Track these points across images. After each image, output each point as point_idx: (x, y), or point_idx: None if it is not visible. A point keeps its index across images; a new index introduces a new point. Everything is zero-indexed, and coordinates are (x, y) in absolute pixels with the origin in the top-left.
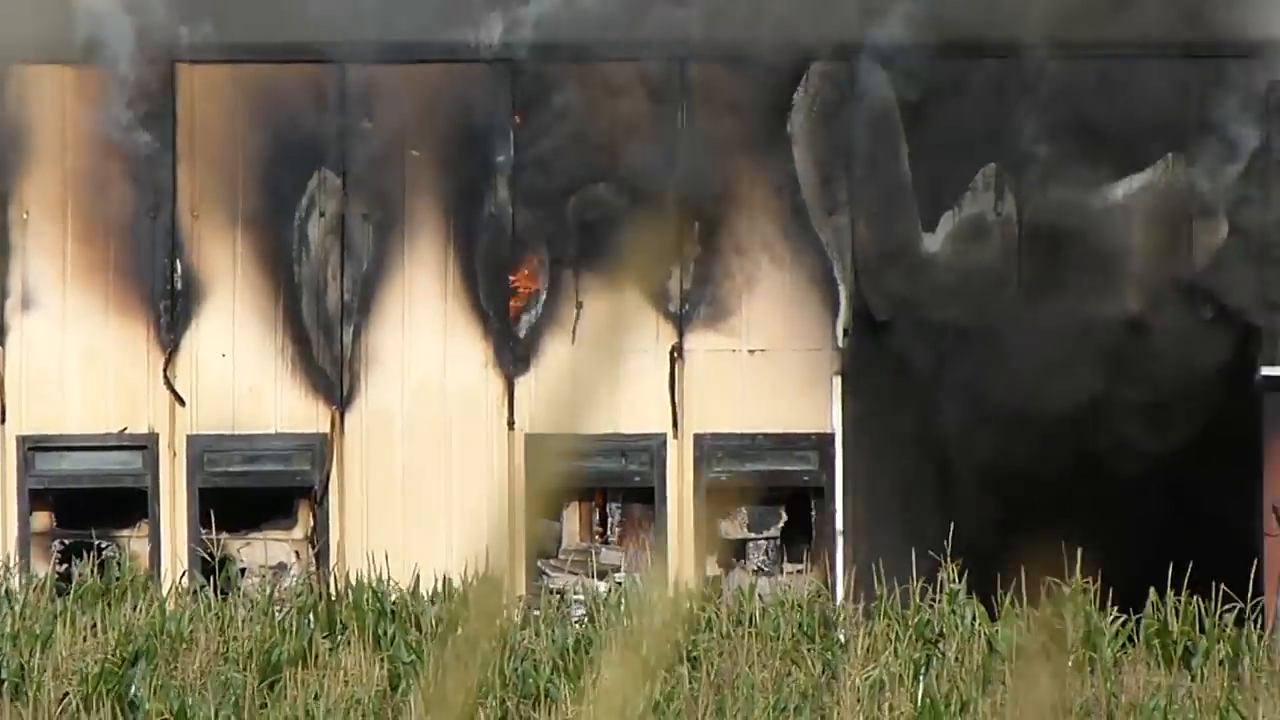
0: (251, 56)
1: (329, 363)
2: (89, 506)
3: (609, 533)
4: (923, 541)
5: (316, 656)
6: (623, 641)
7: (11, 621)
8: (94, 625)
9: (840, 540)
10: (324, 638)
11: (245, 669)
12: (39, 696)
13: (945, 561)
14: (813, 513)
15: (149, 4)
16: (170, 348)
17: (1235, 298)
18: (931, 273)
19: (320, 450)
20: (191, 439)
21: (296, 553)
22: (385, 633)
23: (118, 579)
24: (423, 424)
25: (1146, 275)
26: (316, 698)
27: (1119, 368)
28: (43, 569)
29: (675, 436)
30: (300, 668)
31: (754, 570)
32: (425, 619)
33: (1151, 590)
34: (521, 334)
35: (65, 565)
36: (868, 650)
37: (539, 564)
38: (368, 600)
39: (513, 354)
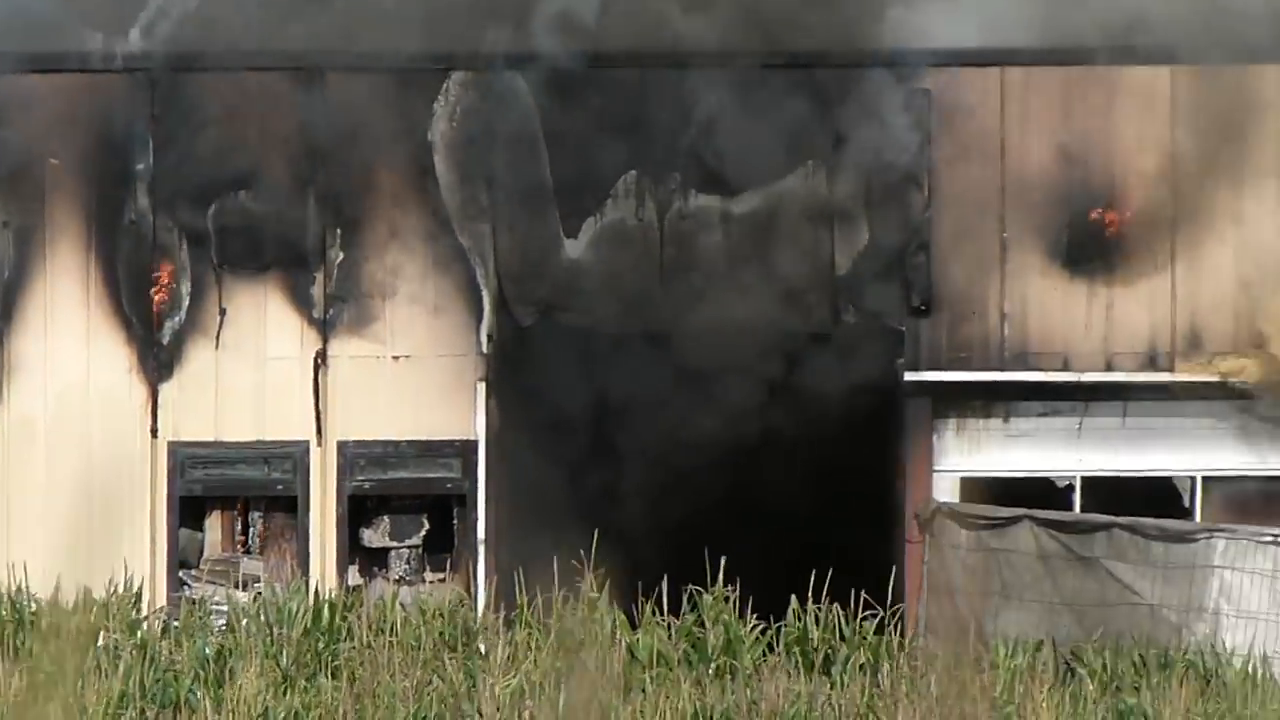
0: None
1: None
2: None
3: (250, 542)
4: (565, 549)
5: None
6: (263, 651)
7: None
8: None
9: (482, 549)
10: None
11: None
12: None
13: (586, 570)
14: (455, 521)
15: None
16: None
17: (876, 303)
18: (573, 278)
19: None
20: None
21: None
22: (24, 643)
23: None
24: (66, 430)
25: (788, 281)
26: None
27: (762, 372)
28: None
29: (319, 444)
30: None
31: (396, 579)
32: (65, 629)
33: (792, 598)
34: (165, 340)
35: None
36: (509, 659)
37: (179, 574)
38: (6, 611)
39: (156, 360)
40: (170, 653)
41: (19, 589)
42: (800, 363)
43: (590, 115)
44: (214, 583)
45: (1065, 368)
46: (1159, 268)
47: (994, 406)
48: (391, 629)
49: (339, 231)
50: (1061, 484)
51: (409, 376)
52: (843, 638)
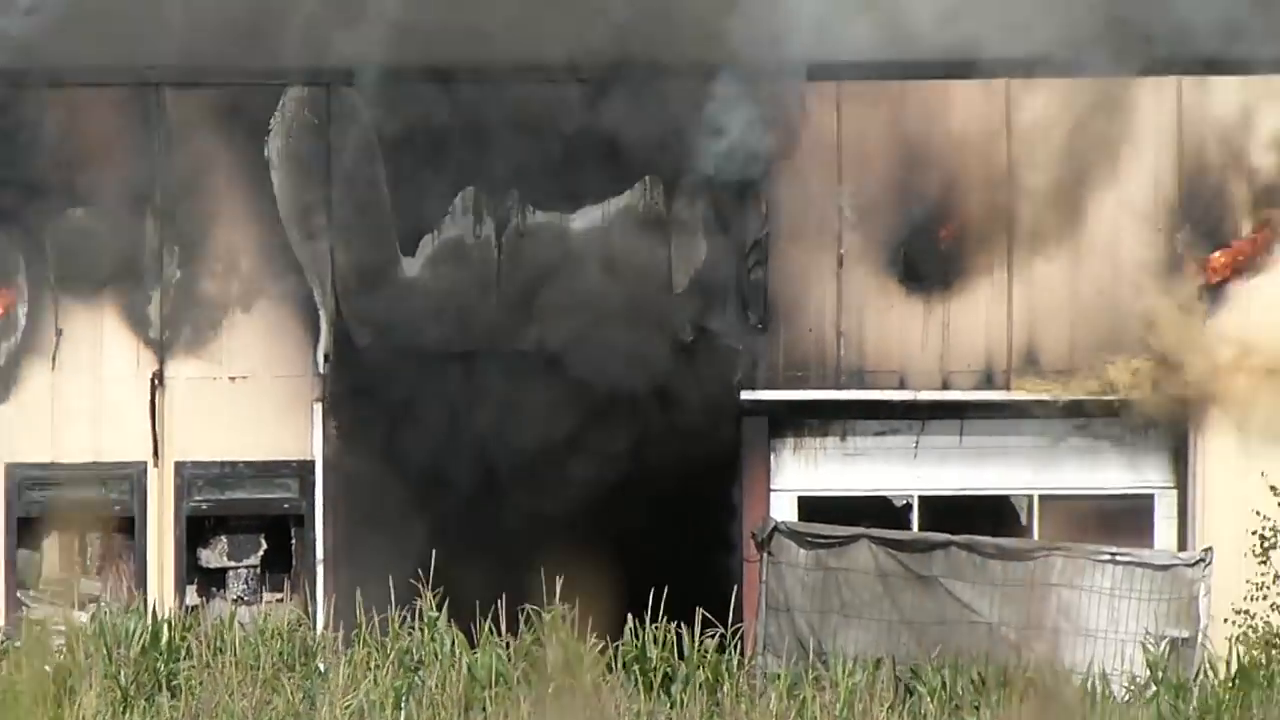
0: None
1: None
2: None
3: (89, 562)
4: (404, 569)
5: None
6: (102, 671)
7: None
8: None
9: (320, 568)
10: None
11: None
12: None
13: (424, 589)
14: (293, 540)
15: None
16: None
17: (714, 321)
18: (410, 296)
19: None
20: None
21: None
22: None
23: None
24: None
25: (626, 298)
26: None
27: (600, 391)
28: None
29: (156, 465)
30: None
31: (234, 599)
32: None
33: (629, 616)
34: (1, 361)
35: None
36: (348, 678)
37: (18, 594)
38: None
39: None
40: (10, 673)
41: None
42: (639, 381)
43: (427, 131)
44: (53, 603)
45: (902, 386)
46: (995, 285)
47: (831, 425)
48: (230, 648)
49: (176, 250)
50: (899, 503)
51: (246, 397)
52: (682, 656)
